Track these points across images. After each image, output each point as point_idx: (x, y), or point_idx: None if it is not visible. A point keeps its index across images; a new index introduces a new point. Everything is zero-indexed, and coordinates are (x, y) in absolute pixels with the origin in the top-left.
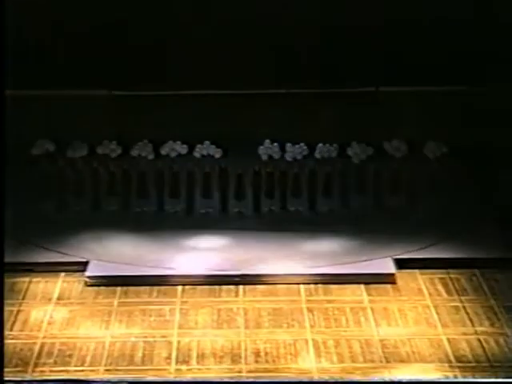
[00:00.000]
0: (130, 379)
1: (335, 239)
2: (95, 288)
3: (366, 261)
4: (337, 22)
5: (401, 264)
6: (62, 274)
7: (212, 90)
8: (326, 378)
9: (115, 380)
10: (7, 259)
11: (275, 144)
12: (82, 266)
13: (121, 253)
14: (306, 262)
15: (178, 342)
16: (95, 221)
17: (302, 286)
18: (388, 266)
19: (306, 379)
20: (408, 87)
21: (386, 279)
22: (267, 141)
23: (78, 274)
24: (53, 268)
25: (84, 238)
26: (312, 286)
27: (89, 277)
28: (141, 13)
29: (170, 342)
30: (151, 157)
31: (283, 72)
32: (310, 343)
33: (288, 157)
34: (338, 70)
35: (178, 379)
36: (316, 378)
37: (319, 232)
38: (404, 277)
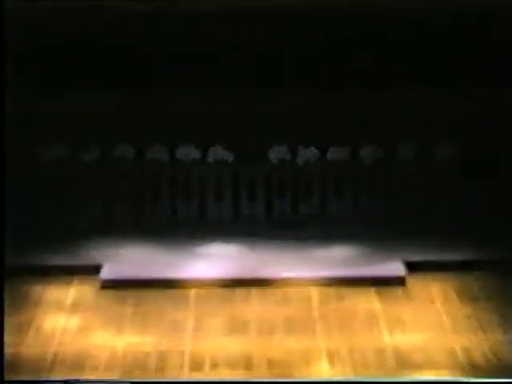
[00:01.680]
0: (131, 379)
1: (346, 242)
2: (109, 294)
3: (376, 263)
4: (346, 28)
5: (412, 266)
6: (76, 278)
7: (224, 96)
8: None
9: (116, 380)
10: (22, 262)
11: (285, 147)
12: (96, 269)
13: (134, 256)
14: (317, 264)
15: (191, 350)
16: (109, 224)
17: (314, 293)
18: (399, 269)
19: (306, 379)
20: (419, 91)
21: (397, 282)
22: (277, 145)
23: (91, 278)
24: (67, 271)
25: (98, 241)
26: (324, 292)
27: (103, 280)
28: (154, 22)
29: (183, 350)
30: (165, 159)
31: (296, 77)
32: (323, 351)
33: (300, 160)
34: (351, 76)
35: (176, 379)
36: (316, 378)
37: (331, 235)
38: (416, 284)
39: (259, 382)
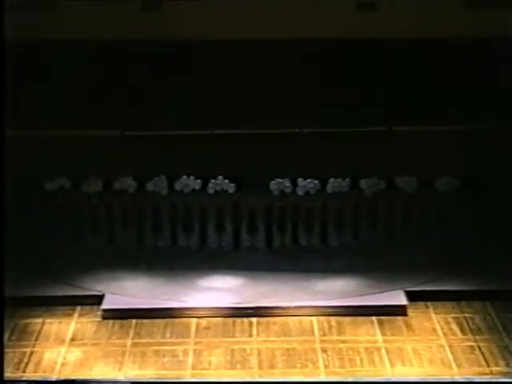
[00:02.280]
0: (131, 379)
1: (347, 272)
2: (109, 326)
3: (377, 293)
4: (350, 62)
5: (412, 296)
6: (77, 309)
7: (225, 129)
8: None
9: (116, 380)
10: (24, 293)
11: (286, 179)
12: (98, 299)
13: (135, 287)
14: (318, 294)
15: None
16: (110, 255)
17: (315, 324)
18: (399, 298)
19: (306, 379)
20: (419, 127)
21: (398, 311)
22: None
23: (93, 308)
24: (69, 302)
25: (99, 272)
26: (325, 324)
27: (104, 310)
28: (152, 56)
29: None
30: (165, 192)
31: (298, 112)
32: None
33: (300, 191)
34: (353, 110)
35: (176, 379)
36: (317, 378)
37: (331, 265)
38: (417, 314)
39: (259, 382)
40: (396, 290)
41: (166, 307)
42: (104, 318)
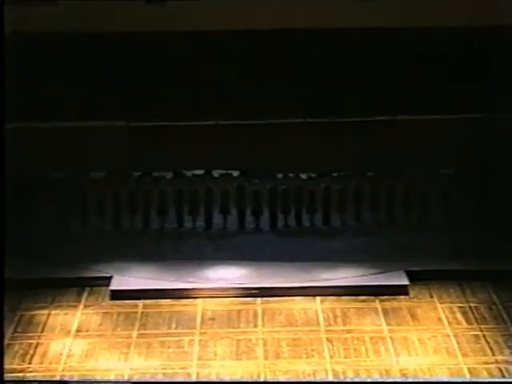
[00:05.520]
0: (131, 379)
1: (349, 253)
2: (114, 317)
3: (379, 273)
4: (352, 52)
5: (413, 276)
6: (84, 293)
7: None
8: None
9: (116, 380)
10: (31, 276)
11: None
12: (105, 281)
13: (143, 268)
14: (320, 275)
15: (197, 374)
16: (117, 238)
17: (320, 315)
18: (401, 279)
19: (306, 379)
20: (422, 116)
21: (399, 291)
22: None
23: (98, 298)
24: (77, 283)
25: (107, 254)
26: (329, 309)
27: (112, 291)
28: (155, 47)
29: (189, 374)
30: (170, 176)
31: (303, 102)
32: (330, 374)
33: (303, 174)
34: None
35: (176, 380)
36: (316, 378)
37: (333, 246)
38: (423, 306)
39: (259, 382)
40: (397, 270)
41: (172, 288)
42: (112, 298)
